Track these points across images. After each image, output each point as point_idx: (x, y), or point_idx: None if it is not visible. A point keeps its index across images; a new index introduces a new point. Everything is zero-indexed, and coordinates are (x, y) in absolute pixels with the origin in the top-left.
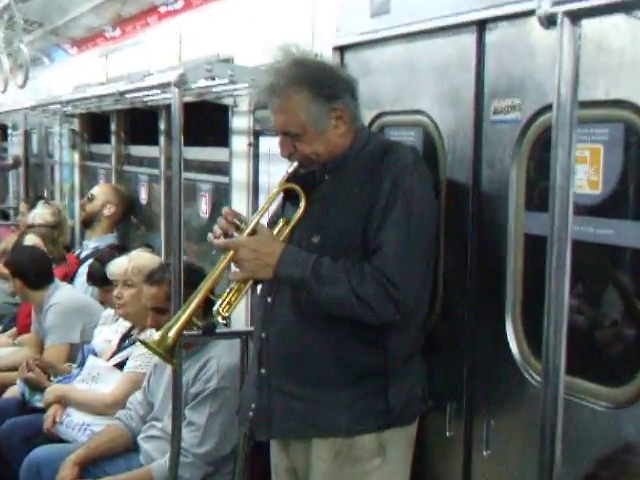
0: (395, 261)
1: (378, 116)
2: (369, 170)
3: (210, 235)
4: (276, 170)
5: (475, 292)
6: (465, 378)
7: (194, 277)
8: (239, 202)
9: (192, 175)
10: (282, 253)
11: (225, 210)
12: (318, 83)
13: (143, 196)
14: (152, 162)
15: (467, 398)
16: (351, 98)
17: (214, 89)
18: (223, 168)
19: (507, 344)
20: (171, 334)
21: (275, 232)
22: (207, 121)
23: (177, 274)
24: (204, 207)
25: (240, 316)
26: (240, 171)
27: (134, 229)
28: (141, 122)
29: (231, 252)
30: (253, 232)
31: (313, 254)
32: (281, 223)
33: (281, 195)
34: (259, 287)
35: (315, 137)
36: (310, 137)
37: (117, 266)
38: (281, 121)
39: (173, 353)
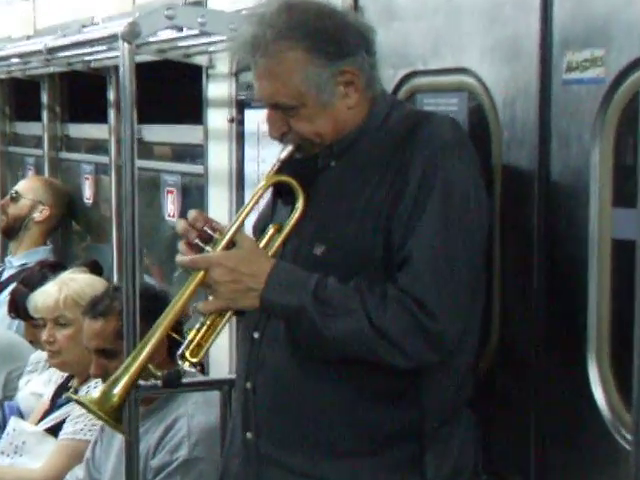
0: (430, 279)
1: (406, 77)
2: (392, 153)
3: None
4: (269, 155)
5: (545, 321)
6: (532, 442)
7: (156, 306)
8: (218, 200)
9: (154, 164)
10: (271, 272)
11: (191, 214)
12: (320, 35)
13: (88, 194)
14: (100, 146)
15: (536, 470)
16: (366, 55)
17: (180, 43)
18: (196, 153)
19: (590, 394)
20: (117, 390)
21: (262, 244)
22: (172, 89)
23: (131, 302)
24: (170, 207)
25: (221, 357)
26: (219, 157)
27: (76, 240)
28: (84, 91)
29: (200, 273)
30: (231, 244)
31: (314, 273)
32: (271, 230)
33: (270, 192)
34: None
35: (317, 111)
36: (310, 111)
37: (43, 298)
38: (269, 89)
39: (121, 415)
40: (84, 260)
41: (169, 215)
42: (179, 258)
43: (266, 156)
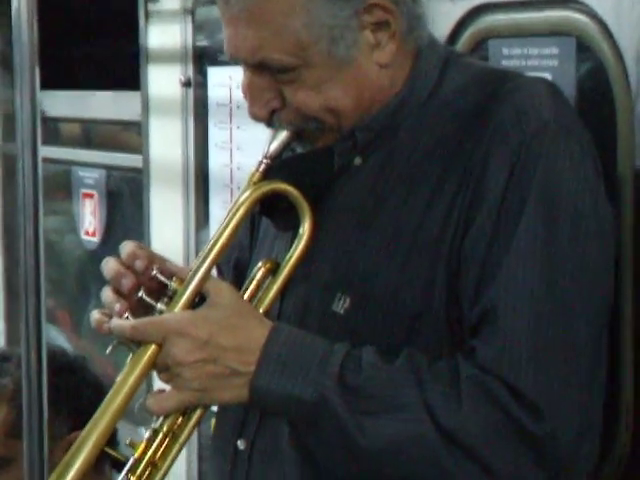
0: (528, 350)
1: (472, 14)
2: (454, 142)
3: (95, 314)
4: (250, 139)
5: None
6: None
7: (69, 384)
8: (166, 211)
9: (61, 152)
10: (267, 343)
11: (127, 247)
12: None
13: None
14: None
15: None
16: None
17: None
18: (129, 137)
19: None
20: None
21: (246, 294)
22: (89, 34)
23: (35, 378)
24: (88, 220)
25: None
26: (167, 142)
27: None
28: None
29: (151, 347)
30: (198, 299)
31: (336, 342)
32: (260, 272)
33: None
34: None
35: (328, 72)
36: (317, 73)
37: None
38: (250, 41)
39: None
40: None
41: (86, 233)
42: (114, 323)
43: (245, 141)
